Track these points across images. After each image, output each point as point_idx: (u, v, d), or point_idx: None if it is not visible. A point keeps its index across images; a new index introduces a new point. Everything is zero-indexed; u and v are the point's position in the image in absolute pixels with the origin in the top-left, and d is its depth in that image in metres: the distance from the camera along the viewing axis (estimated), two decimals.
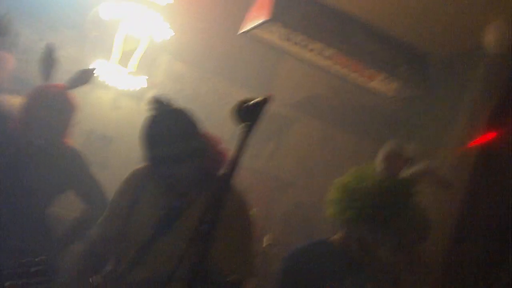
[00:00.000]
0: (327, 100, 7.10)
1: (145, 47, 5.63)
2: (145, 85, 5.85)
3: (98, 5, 5.62)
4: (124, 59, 5.61)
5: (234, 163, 2.02)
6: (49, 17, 5.85)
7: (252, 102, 2.07)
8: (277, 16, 5.29)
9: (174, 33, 5.56)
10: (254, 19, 5.48)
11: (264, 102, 2.06)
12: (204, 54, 6.54)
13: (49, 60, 4.02)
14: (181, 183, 2.99)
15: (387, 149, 3.03)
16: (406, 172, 3.02)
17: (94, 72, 4.21)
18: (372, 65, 5.92)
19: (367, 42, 5.75)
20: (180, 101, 6.30)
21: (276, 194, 6.95)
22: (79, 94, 5.82)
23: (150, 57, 6.06)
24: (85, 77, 4.11)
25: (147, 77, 5.98)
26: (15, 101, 4.15)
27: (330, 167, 6.91)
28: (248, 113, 2.06)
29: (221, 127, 6.70)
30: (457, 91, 6.38)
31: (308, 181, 6.92)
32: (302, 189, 6.97)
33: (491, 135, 4.62)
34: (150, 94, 6.17)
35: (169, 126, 2.94)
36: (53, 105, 3.87)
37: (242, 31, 5.67)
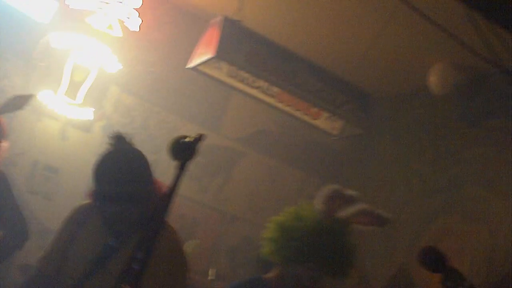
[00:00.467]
0: (274, 136, 7.19)
1: (93, 78, 5.61)
2: (92, 117, 5.82)
3: (47, 34, 5.62)
4: (72, 90, 5.57)
5: (168, 200, 2.03)
6: None
7: (186, 140, 2.09)
8: (222, 54, 5.36)
9: (123, 66, 5.57)
10: (201, 55, 5.54)
11: (197, 140, 2.08)
12: (154, 87, 6.55)
13: None
14: (121, 222, 2.95)
15: (327, 190, 3.08)
16: (343, 212, 3.06)
17: (29, 98, 4.10)
18: (316, 104, 6.03)
19: (311, 81, 5.87)
20: (129, 133, 6.34)
21: (223, 228, 6.94)
22: (26, 124, 5.80)
23: (99, 88, 6.04)
24: (18, 103, 4.03)
25: (96, 109, 5.95)
26: None
27: (277, 202, 6.95)
28: (183, 151, 2.07)
29: (168, 161, 6.71)
30: (401, 130, 6.57)
31: (256, 215, 6.94)
32: (249, 224, 6.98)
33: None
34: (98, 126, 6.20)
35: (122, 165, 2.92)
36: None
37: (189, 66, 5.72)
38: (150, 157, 6.51)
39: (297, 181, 7.30)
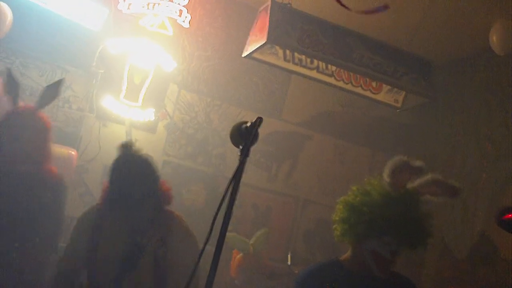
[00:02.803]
0: (338, 116, 7.11)
1: (152, 79, 5.68)
2: (153, 118, 5.89)
3: (102, 41, 5.71)
4: (133, 93, 5.65)
5: (236, 183, 2.05)
6: (56, 58, 5.91)
7: (245, 125, 2.12)
8: (274, 39, 5.34)
9: (179, 64, 5.61)
10: (254, 43, 5.54)
11: (256, 123, 2.09)
12: (212, 81, 6.58)
13: (11, 82, 4.01)
14: (140, 223, 3.26)
15: (394, 162, 3.02)
16: (413, 183, 2.99)
17: (60, 84, 4.15)
18: (375, 78, 5.93)
19: (367, 55, 5.76)
20: (192, 129, 6.40)
21: (297, 213, 6.93)
22: (93, 132, 5.93)
23: (159, 88, 6.11)
24: (52, 92, 4.08)
25: (158, 109, 6.02)
26: None
27: (348, 182, 6.86)
28: (243, 136, 2.11)
29: (236, 151, 6.74)
30: (466, 95, 6.38)
31: (328, 197, 6.90)
32: (322, 206, 6.94)
33: None
34: (162, 126, 6.28)
35: (130, 171, 3.25)
36: (25, 126, 3.82)
37: (245, 54, 5.71)
38: (216, 151, 6.64)
39: (366, 159, 7.22)
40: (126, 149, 3.34)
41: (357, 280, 2.98)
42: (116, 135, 6.12)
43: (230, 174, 6.25)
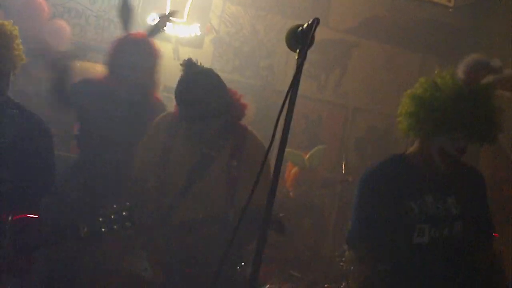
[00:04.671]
0: (385, 20, 6.94)
1: None
2: (200, 33, 5.85)
3: None
4: (177, 9, 5.61)
5: (295, 88, 1.99)
6: None
7: (302, 26, 2.05)
8: None
9: None
10: None
11: (313, 25, 2.00)
12: None
13: (125, 9, 4.06)
14: (211, 135, 3.29)
15: (470, 60, 2.93)
16: (487, 79, 2.91)
17: (170, 16, 4.20)
18: None
19: None
20: (239, 42, 6.36)
21: (347, 121, 6.91)
22: None
23: (203, 3, 6.04)
24: (162, 22, 4.12)
25: (203, 24, 5.97)
26: (78, 66, 4.21)
27: (398, 88, 6.79)
28: (301, 38, 2.04)
29: (284, 62, 6.72)
30: None
31: (377, 104, 6.84)
32: (372, 114, 6.90)
33: None
34: (208, 40, 6.24)
35: (198, 87, 3.21)
36: (137, 52, 3.89)
37: None
38: (263, 62, 6.59)
39: (416, 63, 7.07)
40: (191, 65, 3.31)
41: (422, 174, 2.97)
42: (163, 53, 6.12)
43: (279, 85, 6.28)
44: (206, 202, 3.27)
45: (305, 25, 2.03)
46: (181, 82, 3.26)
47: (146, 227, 3.24)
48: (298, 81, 1.99)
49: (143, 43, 3.97)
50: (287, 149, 1.96)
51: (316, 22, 2.00)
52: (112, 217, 2.82)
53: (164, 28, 4.14)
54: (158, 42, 5.97)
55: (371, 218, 2.94)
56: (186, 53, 6.07)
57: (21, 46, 3.10)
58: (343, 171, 5.73)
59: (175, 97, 3.26)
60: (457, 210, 2.96)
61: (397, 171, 2.98)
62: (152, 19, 5.59)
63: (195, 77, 3.26)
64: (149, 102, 4.01)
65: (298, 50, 2.05)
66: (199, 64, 3.31)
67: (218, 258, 2.33)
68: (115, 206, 2.84)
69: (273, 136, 1.99)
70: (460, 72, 2.92)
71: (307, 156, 5.77)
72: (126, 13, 4.04)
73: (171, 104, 3.53)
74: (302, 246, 5.19)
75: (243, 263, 3.34)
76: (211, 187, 3.27)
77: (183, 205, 3.28)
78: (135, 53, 3.89)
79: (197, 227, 3.25)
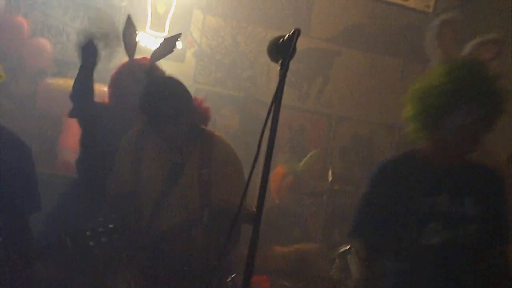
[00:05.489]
0: (366, 28, 6.97)
1: (175, 7, 5.62)
2: (181, 46, 5.84)
3: None
4: (158, 23, 5.61)
5: (278, 99, 1.99)
6: None
7: (283, 37, 2.04)
8: None
9: None
10: None
11: (294, 35, 2.00)
12: (236, 3, 6.48)
13: (129, 32, 3.95)
14: (178, 142, 3.32)
15: (477, 40, 2.92)
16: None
17: (177, 39, 4.11)
18: None
19: None
20: (220, 54, 6.36)
21: (331, 130, 6.93)
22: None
23: (183, 16, 6.05)
24: (168, 46, 4.04)
25: (185, 37, 5.97)
26: (60, 83, 4.17)
27: (380, 94, 6.84)
28: (282, 49, 2.03)
29: (265, 72, 6.73)
30: None
31: (361, 112, 6.86)
32: (357, 121, 6.92)
33: None
34: (190, 53, 6.24)
35: (161, 91, 3.27)
36: (142, 79, 3.73)
37: None
38: (245, 73, 6.61)
39: (398, 69, 7.10)
40: (150, 74, 3.44)
41: (436, 171, 2.90)
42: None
43: (261, 96, 6.28)
44: (182, 210, 3.30)
45: (286, 36, 2.03)
46: (146, 90, 3.31)
47: (129, 242, 3.24)
48: (282, 92, 1.99)
49: (147, 70, 3.85)
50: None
51: (297, 32, 2.00)
52: (100, 230, 2.80)
53: (170, 51, 4.05)
54: (140, 57, 6.03)
55: (377, 214, 2.89)
56: (168, 67, 6.06)
57: None
58: (330, 180, 5.73)
59: (141, 106, 3.30)
60: (474, 211, 2.86)
61: (409, 168, 2.92)
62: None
63: (159, 84, 3.36)
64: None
65: (280, 61, 2.04)
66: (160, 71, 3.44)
67: (203, 266, 2.32)
68: (101, 219, 2.83)
69: (259, 147, 1.98)
70: (472, 46, 2.90)
71: (302, 162, 5.76)
72: (130, 37, 3.95)
73: None
74: (291, 256, 5.16)
75: (234, 275, 3.34)
76: (185, 194, 3.30)
77: (160, 215, 3.30)
78: (138, 81, 3.73)
79: (175, 233, 3.28)
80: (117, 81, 3.86)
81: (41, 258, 2.94)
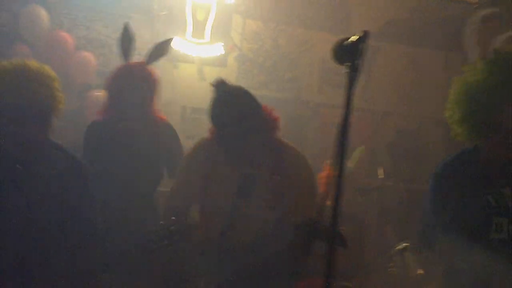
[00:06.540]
0: (407, 22, 6.91)
1: (215, 13, 5.65)
2: (223, 51, 5.88)
3: None
4: (199, 30, 5.66)
5: (348, 107, 1.99)
6: (118, 7, 5.96)
7: (348, 41, 2.01)
8: None
9: None
10: None
11: (362, 39, 1.98)
12: (275, 5, 6.49)
13: (126, 39, 4.08)
14: (251, 154, 3.23)
15: (485, 12, 2.87)
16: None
17: (170, 43, 4.22)
18: None
19: None
20: (262, 57, 6.38)
21: (377, 126, 6.88)
22: (165, 74, 5.99)
23: (223, 21, 6.08)
24: (162, 49, 4.15)
25: (225, 42, 6.01)
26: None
27: (424, 87, 6.77)
28: (347, 53, 2.01)
29: (307, 73, 6.73)
30: None
31: (405, 106, 6.81)
32: (401, 116, 6.87)
33: None
34: (232, 58, 6.28)
35: (233, 106, 3.15)
36: (136, 81, 3.91)
37: None
38: (287, 75, 6.60)
39: (440, 61, 7.03)
40: (221, 85, 3.24)
41: (497, 166, 2.85)
42: (188, 75, 6.18)
43: (305, 96, 6.24)
44: (256, 222, 3.24)
45: (354, 38, 2.00)
46: (215, 103, 3.20)
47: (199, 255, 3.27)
48: (352, 95, 1.97)
49: (141, 72, 3.98)
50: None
51: (366, 34, 1.98)
52: (161, 233, 2.84)
53: (163, 55, 4.16)
54: (182, 64, 6.10)
55: (449, 212, 2.86)
56: (211, 73, 6.13)
57: (60, 89, 3.05)
58: (380, 177, 5.69)
59: (211, 119, 3.21)
60: None
61: (472, 164, 2.88)
62: (174, 43, 5.65)
63: (229, 96, 3.20)
64: (154, 124, 4.05)
65: (347, 64, 2.00)
66: (227, 82, 3.27)
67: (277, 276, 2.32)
68: (162, 222, 2.87)
69: (340, 152, 2.01)
70: (474, 23, 2.85)
71: (350, 160, 5.75)
72: (126, 43, 4.07)
73: (200, 126, 3.53)
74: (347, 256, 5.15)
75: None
76: (258, 205, 3.23)
77: (234, 228, 3.23)
78: (132, 83, 3.91)
79: (256, 247, 3.24)
80: (114, 83, 3.90)
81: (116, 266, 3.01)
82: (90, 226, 3.16)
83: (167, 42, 4.19)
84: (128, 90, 3.89)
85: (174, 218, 2.95)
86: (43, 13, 5.59)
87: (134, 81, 3.91)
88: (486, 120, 2.78)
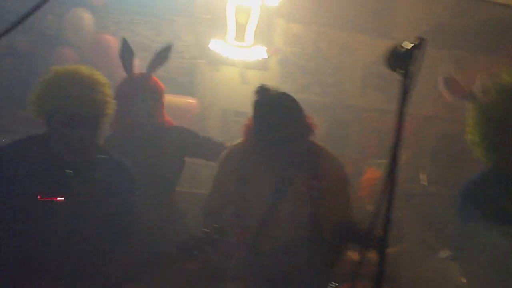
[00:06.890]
0: (452, 26, 6.81)
1: (257, 16, 5.65)
2: (265, 55, 5.88)
3: None
4: (240, 33, 5.66)
5: (401, 114, 1.97)
6: (161, 11, 6.00)
7: (402, 47, 1.98)
8: None
9: None
10: None
11: (417, 46, 1.94)
12: (316, 8, 6.47)
13: (126, 53, 4.14)
14: (289, 158, 3.24)
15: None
16: None
17: (169, 50, 4.25)
18: None
19: None
20: (304, 60, 6.36)
21: (420, 131, 6.80)
22: (206, 77, 6.02)
23: (266, 25, 6.08)
24: (161, 57, 4.19)
25: (267, 46, 6.01)
26: None
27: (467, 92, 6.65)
28: (400, 60, 1.97)
29: (349, 77, 6.69)
30: None
31: (450, 111, 6.70)
32: (445, 121, 6.77)
33: None
34: (274, 62, 6.28)
35: (279, 111, 3.15)
36: (140, 92, 3.99)
37: None
38: (330, 79, 6.57)
39: (484, 65, 6.90)
40: (266, 89, 3.24)
41: None
42: (229, 78, 6.20)
43: (347, 101, 6.21)
44: (292, 224, 3.26)
45: (408, 45, 1.96)
46: (259, 107, 3.21)
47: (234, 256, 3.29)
48: (407, 101, 1.96)
49: (144, 82, 4.05)
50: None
51: (423, 42, 1.94)
52: (205, 240, 2.87)
53: (163, 62, 4.19)
54: (224, 67, 6.12)
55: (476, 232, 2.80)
56: (253, 76, 6.14)
57: (110, 95, 3.08)
58: (424, 182, 5.62)
59: (254, 123, 3.23)
60: None
61: (497, 183, 2.85)
62: (216, 46, 5.67)
63: (274, 102, 3.19)
64: (163, 129, 4.10)
65: (400, 71, 1.97)
66: (271, 88, 3.25)
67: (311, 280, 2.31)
68: (204, 229, 2.90)
69: (392, 160, 1.98)
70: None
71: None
72: (127, 56, 4.12)
73: (241, 129, 3.52)
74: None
75: (337, 284, 3.29)
76: (294, 208, 3.24)
77: (270, 230, 3.27)
78: (136, 94, 3.99)
79: (292, 250, 3.27)
80: (119, 96, 3.86)
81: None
82: (130, 229, 3.20)
83: (166, 49, 4.24)
84: (133, 101, 3.97)
85: (216, 225, 2.97)
86: (87, 16, 5.67)
87: (138, 92, 3.99)
88: (503, 142, 2.77)
